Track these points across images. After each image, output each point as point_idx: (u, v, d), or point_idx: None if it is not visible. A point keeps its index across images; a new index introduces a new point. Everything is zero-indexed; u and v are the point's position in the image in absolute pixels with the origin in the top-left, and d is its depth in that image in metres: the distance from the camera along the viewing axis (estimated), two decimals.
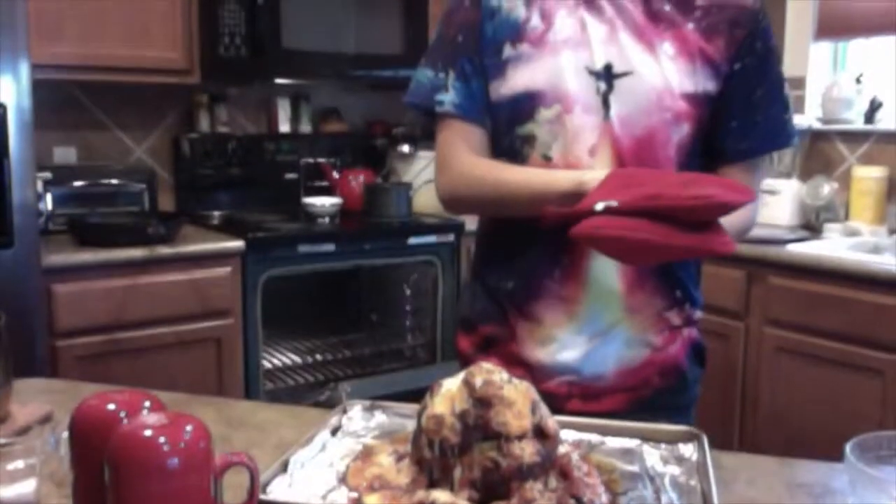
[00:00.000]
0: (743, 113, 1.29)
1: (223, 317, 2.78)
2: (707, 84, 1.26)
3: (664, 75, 1.24)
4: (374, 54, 3.20)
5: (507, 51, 1.29)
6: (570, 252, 1.26)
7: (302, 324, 3.48)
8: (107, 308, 2.55)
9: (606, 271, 1.26)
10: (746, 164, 1.32)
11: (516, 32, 1.29)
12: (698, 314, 1.37)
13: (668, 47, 1.25)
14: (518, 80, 1.28)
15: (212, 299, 2.74)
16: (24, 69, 2.28)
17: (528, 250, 1.31)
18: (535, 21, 1.28)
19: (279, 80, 3.37)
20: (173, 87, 3.10)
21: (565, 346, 1.29)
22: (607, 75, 1.25)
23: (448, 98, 1.33)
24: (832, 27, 3.34)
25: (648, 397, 1.31)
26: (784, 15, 3.40)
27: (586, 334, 1.29)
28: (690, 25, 1.26)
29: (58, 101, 3.03)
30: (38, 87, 2.34)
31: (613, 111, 1.24)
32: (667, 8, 1.26)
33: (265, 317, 2.88)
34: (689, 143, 1.27)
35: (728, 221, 1.14)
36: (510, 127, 1.30)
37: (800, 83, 3.41)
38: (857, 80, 3.32)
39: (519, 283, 1.32)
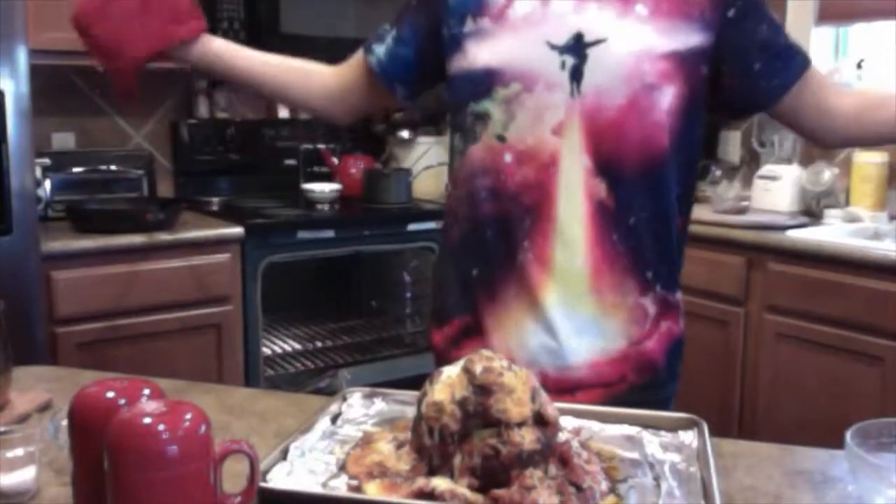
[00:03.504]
0: (760, 53, 1.25)
1: (223, 303, 2.78)
2: (692, 38, 1.21)
3: (640, 38, 1.20)
4: None
5: (469, 24, 1.27)
6: (532, 237, 1.24)
7: (301, 310, 3.48)
8: (106, 295, 2.55)
9: (572, 255, 1.23)
10: (791, 94, 1.27)
11: (479, 5, 1.27)
12: (677, 298, 1.32)
13: (640, 8, 1.21)
14: (476, 56, 1.26)
15: (211, 286, 2.74)
16: (22, 55, 2.27)
17: (489, 237, 1.28)
18: None
19: None
20: (172, 72, 3.09)
21: (535, 335, 1.26)
22: (578, 46, 1.21)
23: (378, 51, 1.39)
24: (834, 12, 3.32)
25: (622, 392, 1.25)
26: (785, 0, 3.38)
27: (556, 322, 1.24)
28: None
29: (56, 87, 3.02)
30: (36, 72, 2.33)
31: (588, 82, 1.20)
32: None
33: (265, 303, 2.88)
34: (682, 104, 1.22)
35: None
36: (465, 102, 1.28)
37: None
38: (858, 66, 3.31)
39: (483, 271, 1.29)
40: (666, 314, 1.29)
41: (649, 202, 1.24)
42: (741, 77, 1.26)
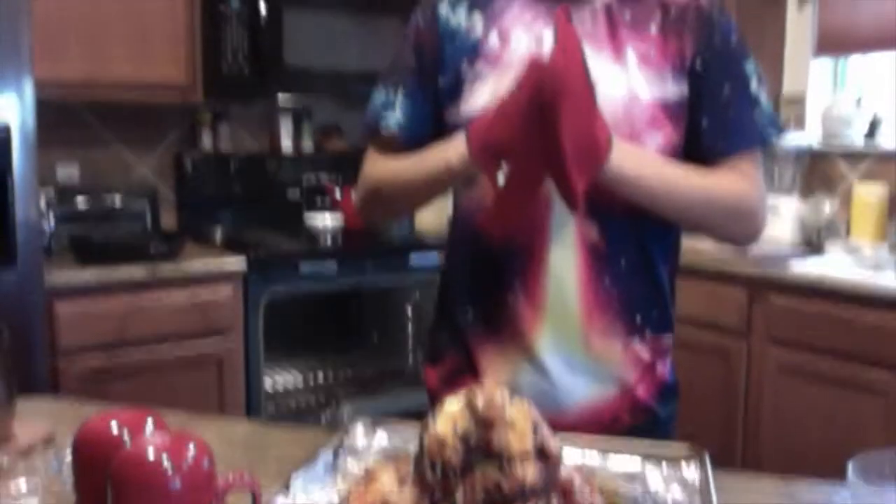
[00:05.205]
0: (712, 111, 1.24)
1: (225, 336, 2.78)
2: (677, 88, 1.23)
3: (630, 85, 1.21)
4: (377, 70, 3.19)
5: (465, 71, 1.27)
6: (525, 281, 1.24)
7: (303, 343, 3.47)
8: (109, 327, 2.55)
9: (564, 297, 1.23)
10: (730, 164, 1.25)
11: (474, 51, 1.27)
12: (667, 341, 1.31)
13: (631, 55, 1.23)
14: (475, 100, 1.26)
15: (213, 318, 2.74)
16: (28, 88, 2.29)
17: (485, 280, 1.28)
18: (493, 40, 1.27)
19: (282, 96, 3.37)
20: (176, 105, 3.12)
21: (528, 377, 1.25)
22: None
23: (394, 117, 1.31)
24: (831, 43, 3.34)
25: (617, 434, 1.22)
26: (784, 30, 3.41)
27: (549, 364, 1.24)
28: (653, 31, 1.24)
29: (61, 120, 3.04)
30: (41, 105, 2.35)
31: None
32: (627, 17, 1.24)
33: (266, 336, 2.88)
34: (671, 151, 1.22)
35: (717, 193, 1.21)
36: None
37: (799, 99, 3.41)
38: (858, 104, 3.31)
39: (477, 312, 1.30)
40: (659, 358, 1.30)
41: (640, 245, 1.25)
42: (691, 129, 1.25)
